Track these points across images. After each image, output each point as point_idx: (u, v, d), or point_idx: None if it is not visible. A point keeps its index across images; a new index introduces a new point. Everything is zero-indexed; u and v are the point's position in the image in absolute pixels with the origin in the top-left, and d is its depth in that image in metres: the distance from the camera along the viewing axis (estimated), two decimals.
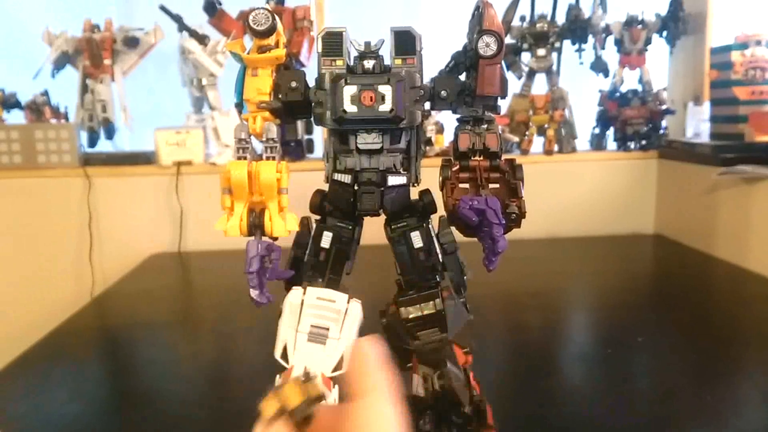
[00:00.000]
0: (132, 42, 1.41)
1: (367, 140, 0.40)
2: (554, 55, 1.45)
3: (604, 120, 1.48)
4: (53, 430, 0.61)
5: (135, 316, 0.98)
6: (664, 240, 1.38)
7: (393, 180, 0.42)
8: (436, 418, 0.42)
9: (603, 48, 1.46)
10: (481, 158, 0.42)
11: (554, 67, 1.45)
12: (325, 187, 0.44)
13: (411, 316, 0.44)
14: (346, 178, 0.42)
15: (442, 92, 0.42)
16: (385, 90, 0.38)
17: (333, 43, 0.41)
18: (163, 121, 1.46)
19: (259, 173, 0.42)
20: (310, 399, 0.27)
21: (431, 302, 0.44)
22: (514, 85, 1.46)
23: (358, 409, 0.26)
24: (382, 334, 0.45)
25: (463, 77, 0.43)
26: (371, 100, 0.38)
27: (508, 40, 1.42)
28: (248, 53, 0.43)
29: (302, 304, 0.41)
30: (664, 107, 1.44)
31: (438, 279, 0.44)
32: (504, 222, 0.38)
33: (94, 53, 1.41)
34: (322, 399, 0.27)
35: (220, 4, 1.33)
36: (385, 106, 0.39)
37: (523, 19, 1.44)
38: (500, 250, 0.38)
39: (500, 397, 0.59)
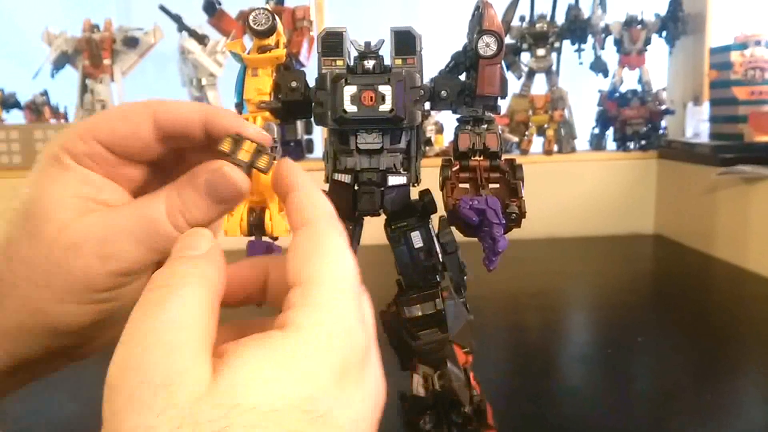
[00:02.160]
0: (131, 42, 1.41)
1: (368, 140, 0.40)
2: (554, 55, 1.45)
3: (603, 120, 1.48)
4: (53, 431, 0.61)
5: None
6: (663, 240, 1.38)
7: (393, 180, 0.42)
8: (437, 417, 0.42)
9: (602, 48, 1.46)
10: (481, 158, 0.42)
11: (554, 67, 1.46)
12: (325, 187, 0.44)
13: (411, 316, 0.44)
14: (346, 178, 0.42)
15: (442, 92, 0.42)
16: (385, 90, 0.38)
17: (333, 43, 0.41)
18: None
19: (259, 173, 0.42)
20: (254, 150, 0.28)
21: (431, 302, 0.44)
22: (514, 85, 1.46)
23: (303, 236, 0.25)
24: (382, 334, 0.45)
25: (462, 77, 0.43)
26: (371, 100, 0.38)
27: (508, 40, 1.42)
28: (248, 53, 0.43)
29: None
30: (663, 107, 1.45)
31: (438, 279, 0.44)
32: (504, 222, 0.38)
33: (94, 53, 1.41)
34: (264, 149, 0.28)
35: (220, 4, 1.33)
36: (385, 106, 0.38)
37: (522, 19, 1.44)
38: (500, 249, 0.38)
39: (500, 397, 0.59)
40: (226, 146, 0.28)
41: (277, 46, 0.43)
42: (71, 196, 0.27)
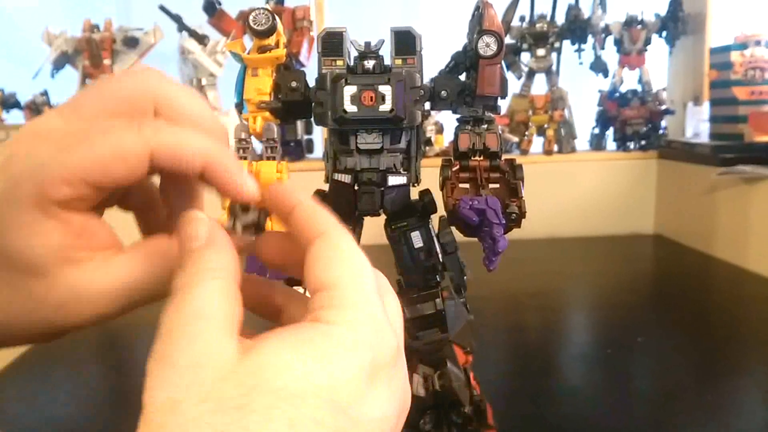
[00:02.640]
0: (131, 42, 1.41)
1: (368, 140, 0.40)
2: (554, 55, 1.45)
3: (603, 120, 1.48)
4: (52, 431, 0.61)
5: (135, 316, 0.98)
6: (663, 240, 1.38)
7: (393, 180, 0.42)
8: (437, 417, 0.42)
9: (602, 48, 1.46)
10: (481, 158, 0.42)
11: (554, 67, 1.45)
12: (325, 187, 0.44)
13: (411, 316, 0.44)
14: (347, 178, 0.42)
15: (443, 92, 0.42)
16: (386, 90, 0.38)
17: (333, 43, 0.41)
18: None
19: (259, 173, 0.42)
20: None
21: (431, 302, 0.44)
22: (514, 85, 1.46)
23: (320, 245, 0.25)
24: None
25: (462, 77, 0.43)
26: (371, 100, 0.38)
27: (508, 40, 1.42)
28: (248, 53, 0.43)
29: None
30: (663, 107, 1.45)
31: (438, 279, 0.44)
32: (504, 222, 0.38)
33: (94, 53, 1.41)
34: None
35: (220, 4, 1.33)
36: (386, 106, 0.39)
37: (522, 19, 1.44)
38: (500, 249, 0.38)
39: (500, 397, 0.59)
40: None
41: (277, 46, 0.43)
42: (56, 248, 0.24)
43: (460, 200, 0.39)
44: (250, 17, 0.41)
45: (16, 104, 1.48)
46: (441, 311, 0.43)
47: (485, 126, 0.42)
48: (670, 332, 0.84)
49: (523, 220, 0.39)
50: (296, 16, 1.36)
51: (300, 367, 0.20)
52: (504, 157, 0.42)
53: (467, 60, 0.42)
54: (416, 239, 0.43)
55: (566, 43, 1.46)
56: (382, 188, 0.42)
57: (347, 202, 0.43)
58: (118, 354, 0.84)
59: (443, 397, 0.42)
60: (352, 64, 0.41)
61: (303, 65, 1.31)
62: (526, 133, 1.45)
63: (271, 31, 0.42)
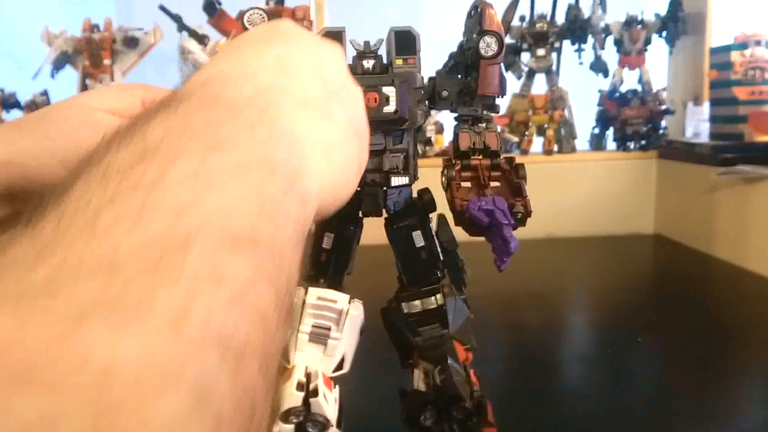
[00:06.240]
0: (131, 42, 1.41)
1: (371, 141, 0.40)
2: (554, 55, 1.45)
3: (603, 120, 1.48)
4: None
5: None
6: (663, 240, 1.38)
7: (396, 181, 0.42)
8: (437, 413, 0.42)
9: (602, 48, 1.46)
10: (482, 157, 0.42)
11: (554, 67, 1.46)
12: None
13: (413, 312, 0.44)
14: None
15: (443, 92, 0.42)
16: (390, 91, 0.38)
17: None
18: None
19: None
20: None
21: (432, 297, 0.44)
22: (514, 85, 1.46)
23: None
24: (383, 331, 0.45)
25: (460, 77, 0.43)
26: (376, 102, 0.38)
27: (508, 40, 1.42)
28: None
29: (303, 304, 0.41)
30: (663, 107, 1.45)
31: (439, 275, 0.44)
32: (513, 222, 0.38)
33: (94, 53, 1.41)
34: None
35: (220, 3, 1.33)
36: (390, 108, 0.39)
37: (522, 19, 1.44)
38: (513, 250, 0.37)
39: (499, 397, 0.59)
40: None
41: None
42: None
43: (468, 201, 0.38)
44: (245, 17, 0.41)
45: (16, 104, 1.48)
46: (442, 307, 0.43)
47: (484, 125, 0.42)
48: (670, 332, 0.84)
49: (528, 218, 0.39)
50: (296, 16, 1.35)
51: None
52: (503, 155, 0.42)
53: (466, 59, 0.42)
54: (417, 239, 0.43)
55: (566, 43, 1.46)
56: (385, 189, 0.42)
57: (350, 204, 0.42)
58: None
59: (444, 392, 0.42)
60: (350, 63, 0.41)
61: None
62: (526, 133, 1.45)
63: None
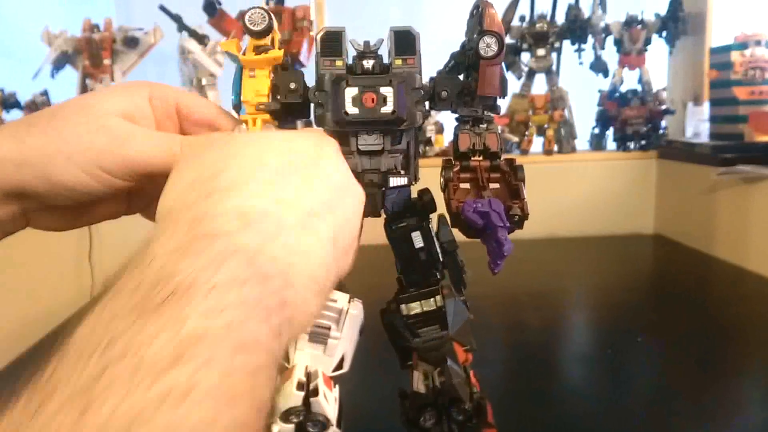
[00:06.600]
0: (132, 42, 1.41)
1: (369, 141, 0.40)
2: (554, 55, 1.45)
3: (603, 120, 1.48)
4: None
5: None
6: (663, 240, 1.38)
7: (394, 181, 0.42)
8: (437, 414, 0.42)
9: (602, 48, 1.46)
10: (481, 158, 0.42)
11: (554, 67, 1.46)
12: None
13: (412, 313, 0.44)
14: None
15: (443, 92, 0.42)
16: (387, 92, 0.38)
17: (332, 43, 0.41)
18: None
19: None
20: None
21: (432, 299, 0.44)
22: (514, 85, 1.46)
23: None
24: (382, 333, 0.45)
25: (461, 77, 0.42)
26: (373, 102, 0.38)
27: (508, 40, 1.42)
28: (243, 53, 0.42)
29: None
30: (663, 107, 1.45)
31: (438, 276, 0.44)
32: (508, 224, 0.38)
33: (94, 53, 1.41)
34: None
35: (220, 3, 1.33)
36: (387, 108, 0.38)
37: (522, 19, 1.44)
38: (507, 253, 0.37)
39: (499, 397, 0.59)
40: None
41: (272, 46, 0.43)
42: None
43: (464, 203, 0.38)
44: (246, 17, 0.41)
45: (16, 104, 1.47)
46: (441, 308, 0.43)
47: (485, 126, 0.42)
48: (670, 332, 0.84)
49: (525, 221, 0.39)
50: (296, 16, 1.36)
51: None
52: (503, 156, 0.42)
53: (467, 59, 0.42)
54: (417, 239, 0.43)
55: (566, 43, 1.46)
56: (383, 189, 0.42)
57: None
58: None
59: (443, 394, 0.42)
60: (350, 63, 0.41)
61: (303, 65, 1.30)
62: (526, 133, 1.45)
63: (268, 31, 0.41)
